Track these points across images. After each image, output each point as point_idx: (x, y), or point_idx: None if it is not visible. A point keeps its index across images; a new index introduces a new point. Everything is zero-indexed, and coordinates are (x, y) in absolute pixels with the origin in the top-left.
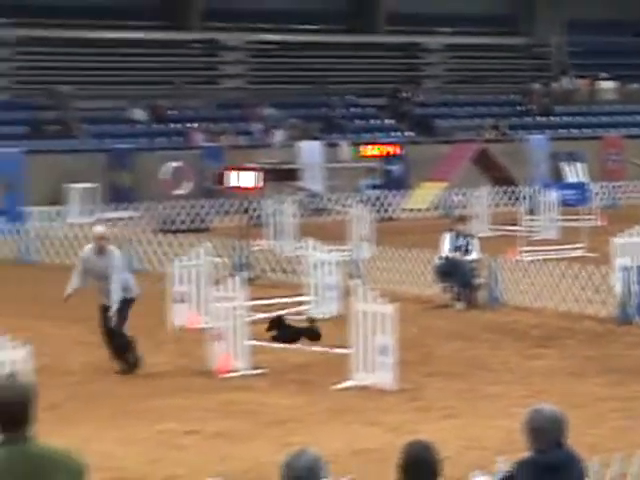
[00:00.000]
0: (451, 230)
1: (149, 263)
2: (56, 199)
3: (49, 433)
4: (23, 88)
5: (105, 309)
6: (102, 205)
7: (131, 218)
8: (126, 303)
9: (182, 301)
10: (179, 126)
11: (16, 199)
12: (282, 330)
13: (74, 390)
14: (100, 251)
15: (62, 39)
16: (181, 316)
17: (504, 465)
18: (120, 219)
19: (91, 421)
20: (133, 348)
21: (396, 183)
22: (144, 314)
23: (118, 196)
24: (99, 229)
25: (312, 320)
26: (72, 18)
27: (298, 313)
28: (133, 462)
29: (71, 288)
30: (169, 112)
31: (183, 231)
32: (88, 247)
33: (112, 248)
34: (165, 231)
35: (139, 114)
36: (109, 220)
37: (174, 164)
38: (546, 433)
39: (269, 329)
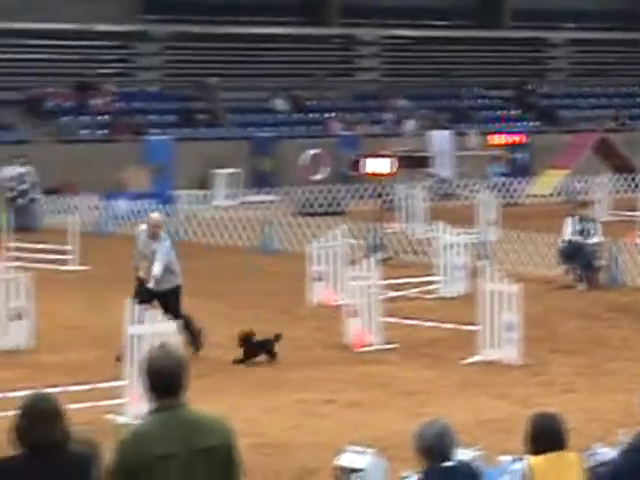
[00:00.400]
0: (573, 215)
1: (289, 244)
2: (203, 183)
3: (200, 400)
4: (173, 80)
5: (143, 283)
6: (245, 189)
7: (272, 202)
8: (178, 289)
9: (320, 280)
10: (317, 116)
11: (167, 183)
12: (247, 346)
13: (221, 361)
14: (153, 236)
15: (209, 34)
16: (319, 294)
17: (625, 437)
18: (262, 202)
19: (237, 390)
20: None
21: (521, 170)
22: (285, 292)
23: (260, 181)
24: (155, 217)
25: (277, 336)
26: (218, 14)
27: (428, 292)
28: (276, 429)
29: (137, 270)
30: (308, 103)
31: (320, 214)
32: (142, 229)
33: (164, 235)
34: (304, 214)
35: (280, 104)
36: (251, 203)
37: (312, 151)
38: None
39: (240, 346)
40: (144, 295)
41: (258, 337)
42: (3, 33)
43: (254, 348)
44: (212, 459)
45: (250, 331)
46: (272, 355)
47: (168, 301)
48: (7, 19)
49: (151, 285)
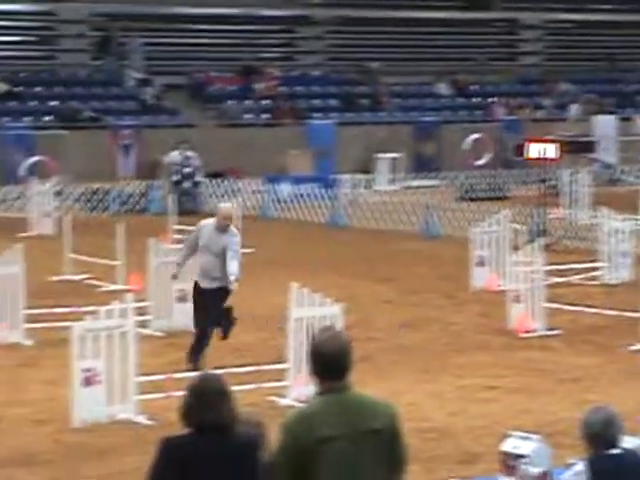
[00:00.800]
0: None
1: (451, 229)
2: (365, 167)
3: (362, 384)
4: (336, 64)
5: (202, 291)
6: (407, 174)
7: (434, 186)
8: (228, 291)
9: (482, 265)
10: (480, 100)
11: (329, 167)
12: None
13: (382, 346)
14: (222, 229)
15: (372, 18)
16: (481, 279)
17: None
18: (424, 187)
19: (400, 374)
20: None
21: None
22: (447, 276)
23: (422, 165)
24: (226, 208)
25: None
26: None
27: (592, 278)
28: (438, 414)
29: (179, 268)
30: (471, 87)
31: (483, 199)
32: (208, 222)
33: (234, 229)
34: (466, 199)
35: (443, 89)
36: (414, 188)
37: (475, 136)
38: None
39: None
40: (198, 298)
41: None
42: (168, 18)
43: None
44: (376, 442)
45: None
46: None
47: (214, 299)
48: (173, 4)
49: (233, 287)
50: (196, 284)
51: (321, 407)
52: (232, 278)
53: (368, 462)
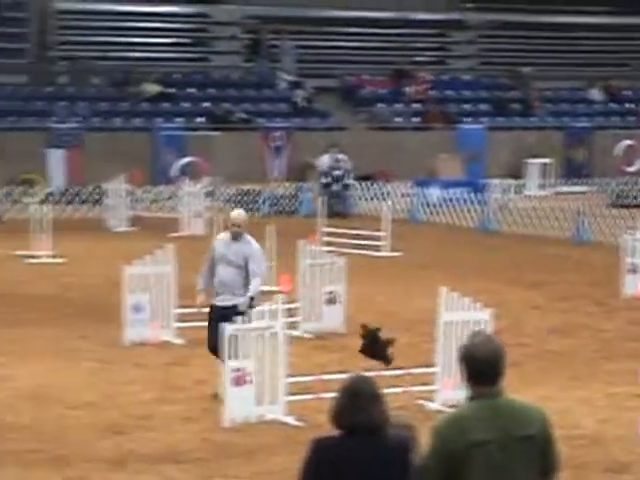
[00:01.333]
0: None
1: (602, 235)
2: (515, 172)
3: (511, 390)
4: (487, 69)
5: (220, 310)
6: (558, 179)
7: (585, 192)
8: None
9: (634, 272)
10: (633, 106)
11: (479, 172)
12: (369, 341)
13: (531, 351)
14: (235, 237)
15: (524, 23)
16: (632, 286)
17: None
18: (575, 193)
19: (549, 381)
20: None
21: None
22: (598, 283)
23: (573, 171)
24: (237, 214)
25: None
26: (534, 3)
27: None
28: (587, 421)
29: (201, 294)
30: (624, 93)
31: (635, 206)
32: (221, 236)
33: (249, 237)
34: (618, 205)
35: (595, 94)
36: (564, 193)
37: (628, 142)
38: None
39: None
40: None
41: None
42: (320, 21)
43: (373, 345)
44: (528, 448)
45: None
46: (387, 361)
47: (228, 319)
48: (325, 7)
49: (242, 305)
50: (212, 307)
51: (472, 412)
52: (248, 294)
53: (519, 468)
